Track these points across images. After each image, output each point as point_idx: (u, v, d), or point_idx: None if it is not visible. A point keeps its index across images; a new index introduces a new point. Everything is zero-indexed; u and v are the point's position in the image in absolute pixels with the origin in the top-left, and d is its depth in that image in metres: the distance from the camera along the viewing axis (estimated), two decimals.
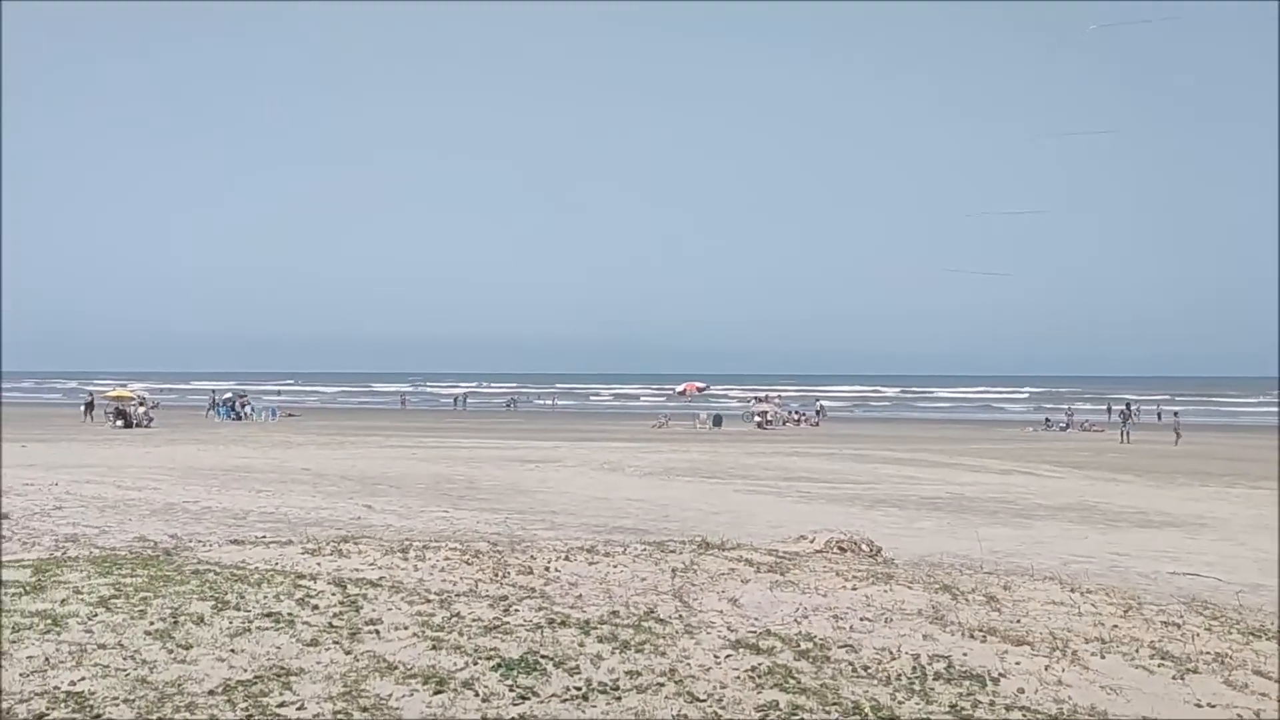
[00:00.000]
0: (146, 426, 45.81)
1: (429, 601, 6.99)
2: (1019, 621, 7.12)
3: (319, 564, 8.31)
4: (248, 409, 58.43)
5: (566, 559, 8.20)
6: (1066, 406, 67.13)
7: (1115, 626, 7.08)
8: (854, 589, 7.68)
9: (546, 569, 8.08)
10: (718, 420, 52.10)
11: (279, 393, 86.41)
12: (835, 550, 9.64)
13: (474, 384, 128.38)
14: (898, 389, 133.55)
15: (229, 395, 59.53)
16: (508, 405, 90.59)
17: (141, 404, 49.35)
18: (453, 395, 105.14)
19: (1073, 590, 7.88)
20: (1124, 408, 48.04)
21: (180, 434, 39.73)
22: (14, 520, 12.44)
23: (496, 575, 7.81)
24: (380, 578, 7.77)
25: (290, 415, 61.53)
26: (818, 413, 60.96)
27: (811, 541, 9.89)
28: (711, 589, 7.50)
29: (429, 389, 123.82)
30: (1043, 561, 12.60)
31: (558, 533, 13.97)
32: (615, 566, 7.99)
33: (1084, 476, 25.25)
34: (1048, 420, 57.38)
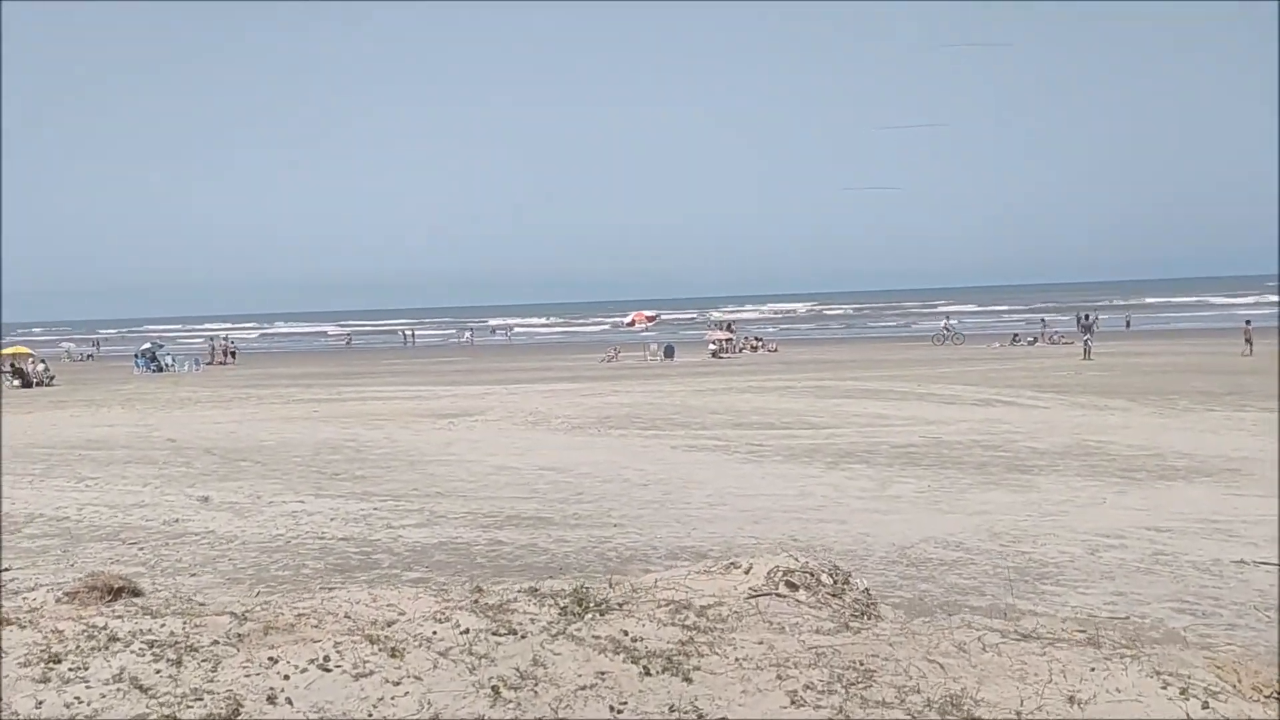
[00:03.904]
0: (48, 385, 41.94)
1: None
2: None
3: None
4: (168, 359, 54.44)
5: (322, 665, 4.90)
6: (1042, 319, 64.86)
7: None
8: (808, 707, 4.48)
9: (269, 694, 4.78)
10: (669, 351, 48.88)
11: (225, 335, 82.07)
12: (782, 589, 6.43)
13: (469, 320, 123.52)
14: (853, 305, 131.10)
15: (147, 346, 55.39)
16: (463, 340, 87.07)
17: (41, 362, 45.27)
18: (401, 332, 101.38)
19: (1183, 692, 4.66)
20: (1085, 318, 45.03)
21: (78, 393, 35.92)
22: None
23: None
24: None
25: (222, 363, 57.62)
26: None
27: (747, 572, 6.67)
28: None
29: (421, 325, 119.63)
30: (1063, 549, 9.52)
31: (431, 530, 10.78)
32: (395, 683, 4.72)
33: (1071, 404, 22.33)
34: (1015, 335, 54.73)
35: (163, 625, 5.62)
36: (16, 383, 41.48)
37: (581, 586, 6.25)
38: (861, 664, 4.97)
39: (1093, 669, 4.96)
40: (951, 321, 63.84)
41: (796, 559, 6.85)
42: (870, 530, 10.53)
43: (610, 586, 6.44)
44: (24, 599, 7.33)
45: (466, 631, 5.31)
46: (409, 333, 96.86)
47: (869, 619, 6.03)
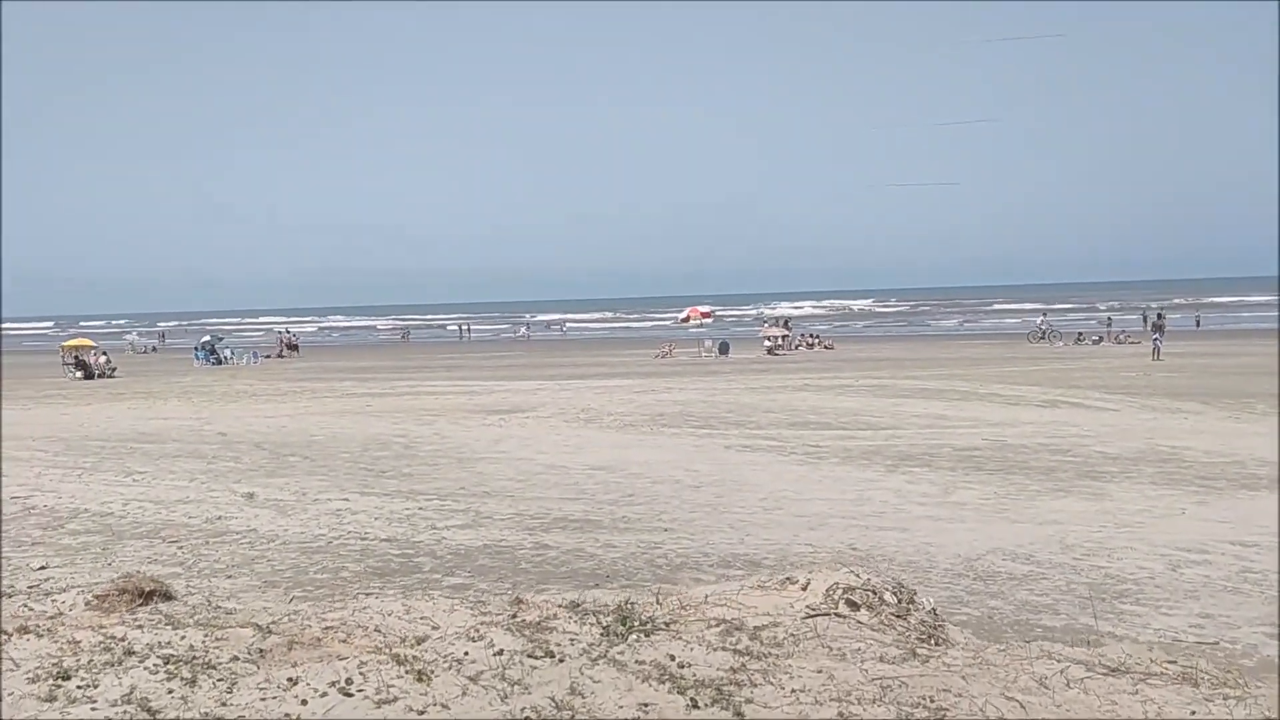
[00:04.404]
0: (109, 376, 42.54)
1: None
2: None
3: None
4: (227, 352, 55.12)
5: (344, 689, 4.54)
6: (1106, 316, 63.16)
7: None
8: None
9: None
10: (724, 348, 48.24)
11: (287, 329, 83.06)
12: (842, 608, 5.97)
13: (525, 315, 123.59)
14: (909, 302, 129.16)
15: (207, 338, 56.05)
16: (519, 335, 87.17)
17: (103, 354, 45.96)
18: (458, 325, 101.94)
19: None
20: (1156, 317, 43.45)
21: (137, 385, 36.35)
22: None
23: None
24: None
25: (281, 356, 58.18)
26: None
27: (804, 588, 6.22)
28: None
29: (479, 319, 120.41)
30: (1141, 564, 8.92)
31: (475, 533, 10.43)
32: (420, 712, 4.35)
33: (1141, 406, 21.44)
34: (1051, 333, 53.13)
35: (183, 638, 5.31)
36: (79, 374, 42.12)
37: (626, 603, 5.83)
38: (932, 700, 4.49)
39: (1193, 711, 4.44)
40: (1049, 318, 61.49)
41: (858, 575, 6.36)
42: (933, 539, 9.99)
43: (657, 602, 6.02)
44: (53, 602, 7.10)
45: (501, 653, 4.92)
46: (465, 327, 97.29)
47: (937, 644, 5.55)
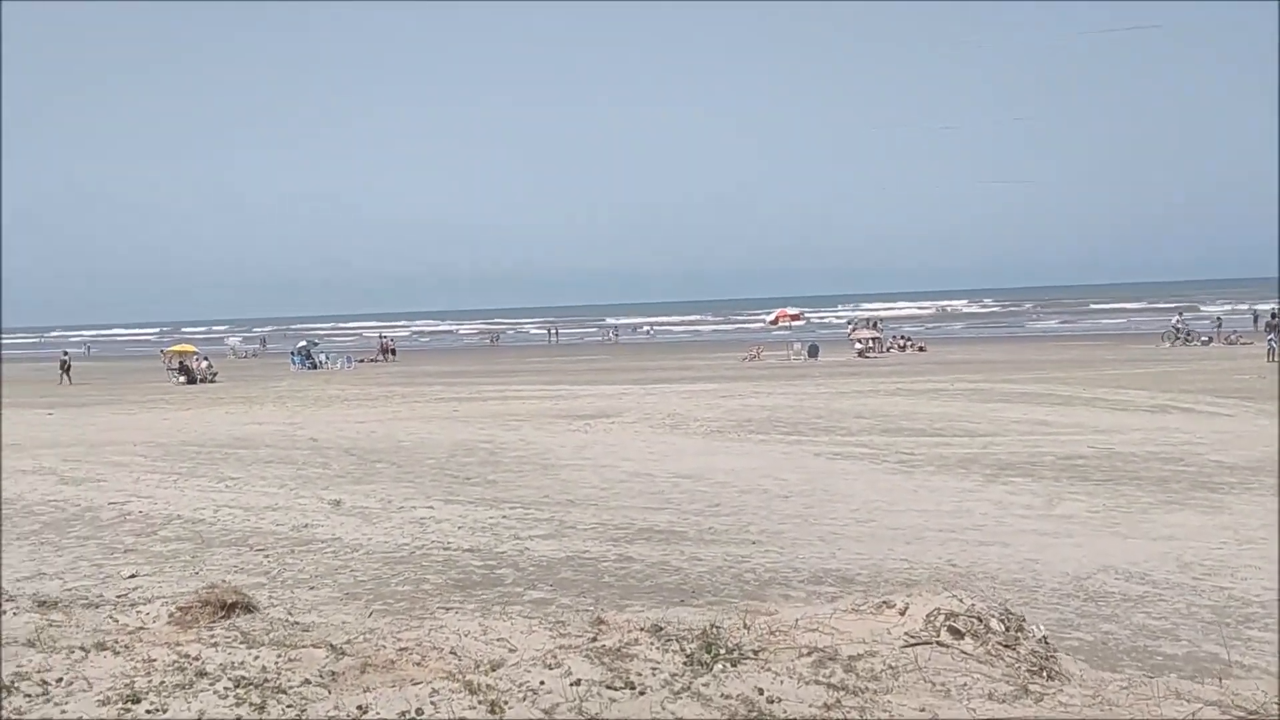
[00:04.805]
0: (211, 381, 43.75)
1: None
2: None
3: None
4: (322, 356, 56.35)
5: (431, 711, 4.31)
6: (1216, 316, 60.46)
7: None
8: None
9: None
10: (814, 350, 47.51)
11: (384, 334, 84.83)
12: (944, 636, 5.57)
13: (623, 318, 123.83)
14: (1005, 303, 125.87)
15: (303, 344, 57.40)
16: (607, 339, 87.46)
17: (205, 359, 47.30)
18: (545, 329, 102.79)
19: None
20: (1270, 317, 41.10)
21: (235, 390, 37.27)
22: None
23: None
24: None
25: (374, 361, 59.23)
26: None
27: (903, 613, 5.83)
28: None
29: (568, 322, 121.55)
30: (1267, 585, 8.28)
31: (558, 543, 10.22)
32: None
33: (1257, 411, 20.30)
34: (1187, 333, 50.80)
35: (256, 658, 5.17)
36: (182, 379, 43.43)
37: (712, 627, 5.52)
38: None
39: None
40: (1185, 318, 57.43)
41: (960, 599, 5.95)
42: (1038, 556, 9.45)
43: (745, 626, 5.70)
44: (138, 613, 7.09)
45: (578, 683, 4.66)
46: (553, 331, 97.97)
47: (1051, 678, 5.11)
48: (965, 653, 5.34)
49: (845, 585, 8.51)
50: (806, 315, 73.45)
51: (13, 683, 4.94)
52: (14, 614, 7.28)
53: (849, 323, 70.04)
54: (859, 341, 50.54)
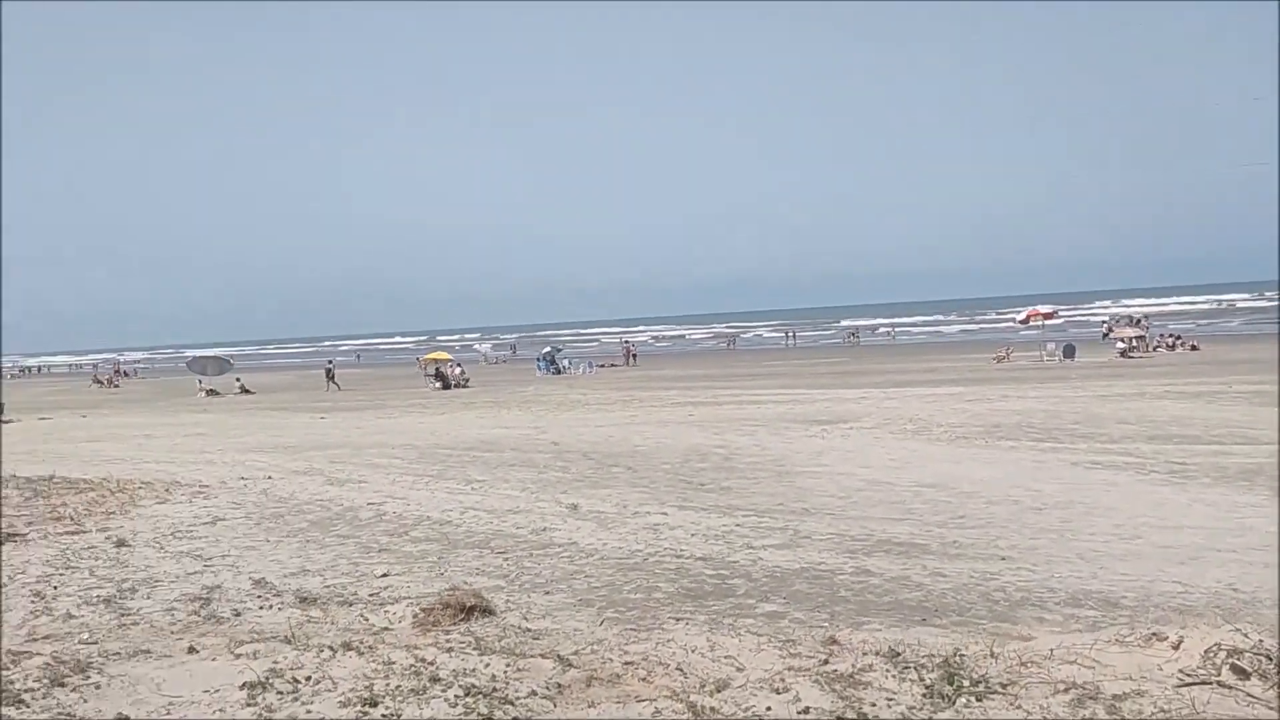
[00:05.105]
0: (464, 387, 46.18)
1: None
2: None
3: None
4: (565, 362, 58.33)
5: None
6: None
7: None
8: None
9: None
10: (1069, 350, 44.64)
11: (627, 340, 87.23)
12: (1226, 675, 4.90)
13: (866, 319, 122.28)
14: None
15: (548, 349, 59.67)
16: (847, 341, 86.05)
17: (458, 365, 50.01)
18: (782, 331, 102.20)
19: None
20: None
21: (485, 395, 39.17)
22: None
23: None
24: None
25: (614, 365, 60.79)
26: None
27: (1176, 647, 5.20)
28: None
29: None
30: None
31: (793, 554, 9.94)
32: None
33: None
34: None
35: (486, 665, 5.24)
36: (438, 385, 46.13)
37: (955, 655, 5.12)
38: None
39: None
40: None
41: (1245, 634, 5.25)
42: None
43: (991, 654, 5.26)
44: (385, 613, 7.41)
45: (806, 711, 4.41)
46: (790, 333, 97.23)
47: None
48: (1252, 696, 4.69)
49: (1108, 610, 7.77)
50: (1061, 313, 69.12)
51: (267, 679, 5.22)
52: (278, 609, 7.80)
53: (1106, 321, 65.47)
54: (1121, 340, 47.03)
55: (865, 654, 5.35)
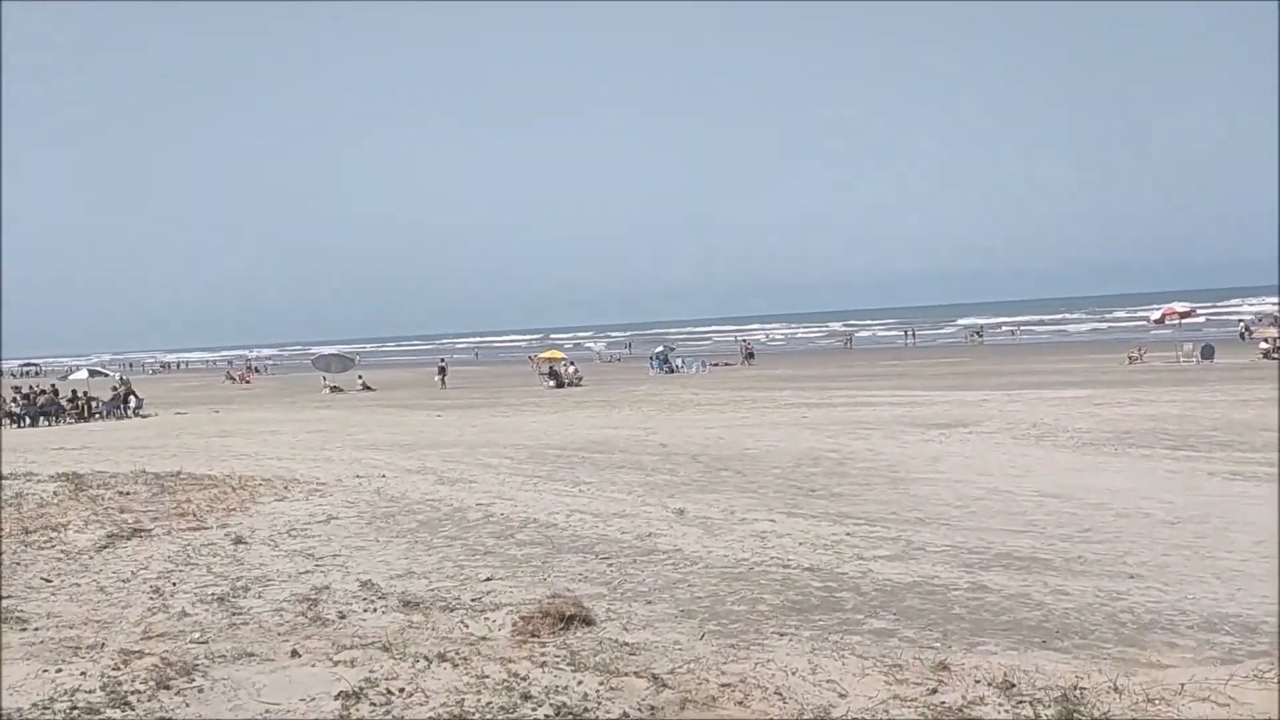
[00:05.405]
0: (577, 385, 46.52)
1: None
2: None
3: None
4: (678, 361, 58.23)
5: None
6: None
7: None
8: None
9: None
10: (1208, 351, 42.41)
11: (744, 339, 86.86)
12: None
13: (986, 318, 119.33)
14: None
15: (660, 348, 59.71)
16: (969, 339, 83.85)
17: (572, 364, 50.41)
18: (902, 330, 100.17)
19: None
20: None
21: (598, 394, 39.36)
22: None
23: None
24: None
25: (728, 364, 60.46)
26: None
27: None
28: None
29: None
30: None
31: (905, 566, 9.60)
32: None
33: None
34: None
35: (580, 683, 5.12)
36: (551, 383, 46.56)
37: (1075, 690, 4.77)
38: None
39: None
40: None
41: None
42: None
43: (1115, 690, 4.89)
44: (485, 620, 7.38)
45: None
46: (910, 331, 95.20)
47: None
48: None
49: (1246, 635, 7.22)
50: (1199, 311, 65.83)
51: (362, 689, 5.21)
52: (381, 612, 7.85)
53: (1245, 320, 62.13)
54: (1265, 340, 44.48)
55: (977, 682, 5.04)
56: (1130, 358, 44.44)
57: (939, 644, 7.01)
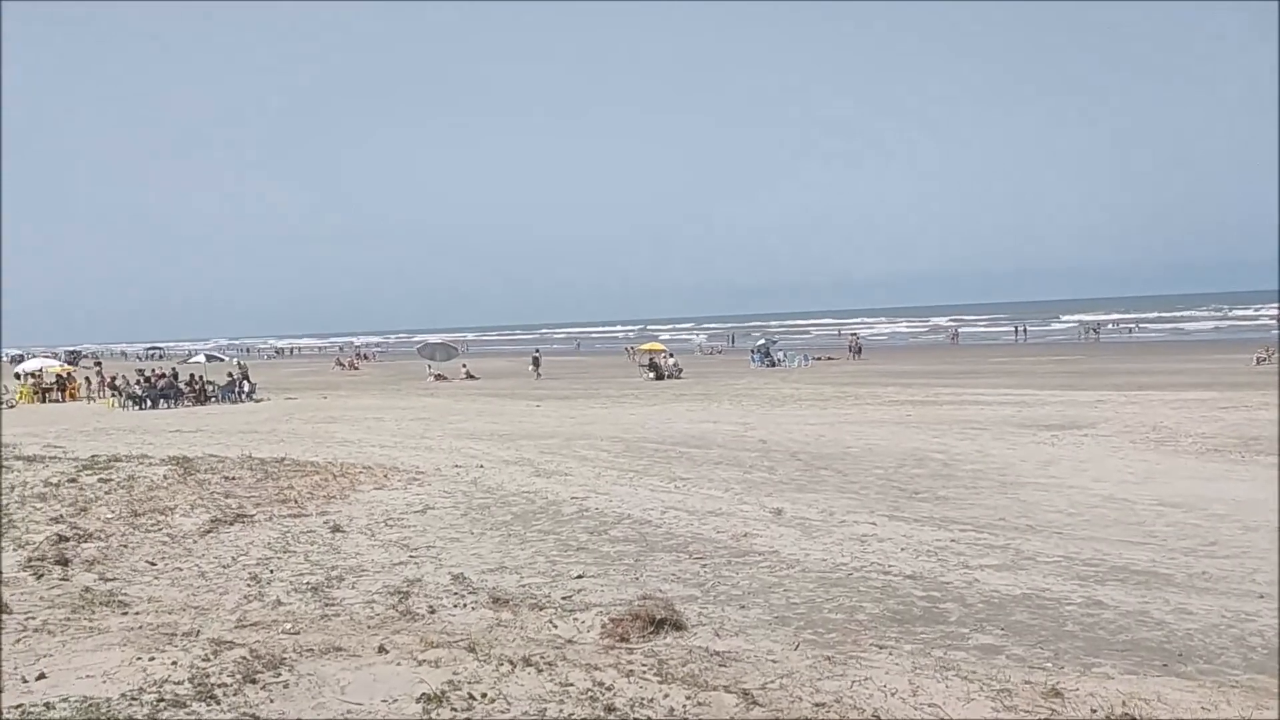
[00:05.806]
0: (676, 378, 46.34)
1: None
2: None
3: None
4: (780, 354, 57.57)
5: None
6: None
7: None
8: None
9: None
10: None
11: (854, 333, 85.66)
12: None
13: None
14: None
15: (762, 342, 59.11)
16: (1085, 334, 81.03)
17: (671, 356, 50.27)
18: (1011, 326, 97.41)
19: None
20: None
21: (697, 386, 39.11)
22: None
23: None
24: None
25: (830, 359, 59.53)
26: None
27: None
28: None
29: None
30: None
31: (1013, 576, 9.17)
32: None
33: None
34: None
35: (665, 696, 4.91)
36: (651, 375, 46.46)
37: None
38: None
39: None
40: None
41: None
42: None
43: None
44: (575, 620, 7.24)
45: None
46: (1020, 328, 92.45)
47: None
48: None
49: None
50: None
51: (444, 692, 5.10)
52: (471, 608, 7.78)
53: None
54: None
55: (1094, 711, 4.67)
56: (1258, 358, 42.23)
57: (1050, 664, 6.61)
